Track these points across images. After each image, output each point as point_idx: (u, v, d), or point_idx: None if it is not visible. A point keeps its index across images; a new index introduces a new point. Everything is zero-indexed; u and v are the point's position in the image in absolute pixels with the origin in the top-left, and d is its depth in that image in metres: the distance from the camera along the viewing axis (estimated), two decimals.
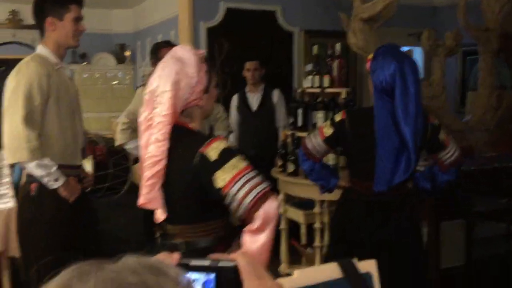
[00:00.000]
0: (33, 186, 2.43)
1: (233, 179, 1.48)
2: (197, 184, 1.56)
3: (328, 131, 2.37)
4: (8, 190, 3.45)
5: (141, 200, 1.61)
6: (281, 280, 1.46)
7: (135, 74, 8.41)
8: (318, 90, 3.50)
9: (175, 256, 0.64)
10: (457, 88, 6.13)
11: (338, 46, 3.55)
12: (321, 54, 3.79)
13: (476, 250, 3.20)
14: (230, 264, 0.62)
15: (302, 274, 1.52)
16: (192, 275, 0.61)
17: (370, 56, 2.33)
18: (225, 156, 1.52)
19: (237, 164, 1.51)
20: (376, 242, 2.23)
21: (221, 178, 1.49)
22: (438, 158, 2.37)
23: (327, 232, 3.26)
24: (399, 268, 2.22)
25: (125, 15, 8.33)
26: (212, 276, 0.62)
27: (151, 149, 1.57)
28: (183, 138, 1.60)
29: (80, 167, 2.60)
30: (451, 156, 2.34)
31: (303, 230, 3.68)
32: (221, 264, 0.63)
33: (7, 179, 3.82)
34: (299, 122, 3.54)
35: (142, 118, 1.65)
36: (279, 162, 3.67)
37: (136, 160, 3.66)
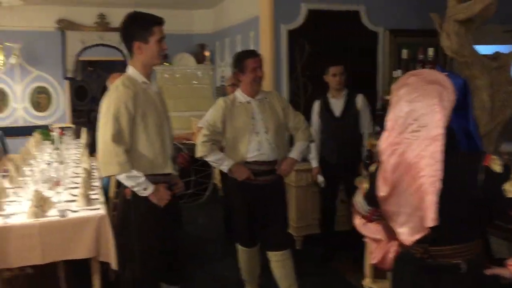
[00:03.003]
0: (128, 191, 2.71)
1: None
2: (482, 197, 1.61)
3: None
4: (99, 196, 3.59)
5: (433, 222, 1.59)
6: None
7: (214, 74, 8.53)
8: None
9: None
10: None
11: (431, 51, 3.33)
12: (409, 58, 3.59)
13: None
14: None
15: None
16: None
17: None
18: (508, 168, 1.60)
19: None
20: None
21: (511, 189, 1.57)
22: None
23: None
24: None
25: (205, 15, 8.45)
26: None
27: (428, 171, 1.59)
28: (452, 156, 1.64)
29: (170, 174, 2.80)
30: None
31: None
32: None
33: (96, 184, 3.99)
34: None
35: (385, 143, 1.67)
36: (365, 173, 3.52)
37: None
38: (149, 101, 2.66)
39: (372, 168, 1.88)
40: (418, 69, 3.45)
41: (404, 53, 3.49)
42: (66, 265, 3.77)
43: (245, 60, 3.24)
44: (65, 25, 7.90)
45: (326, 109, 4.24)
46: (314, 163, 4.30)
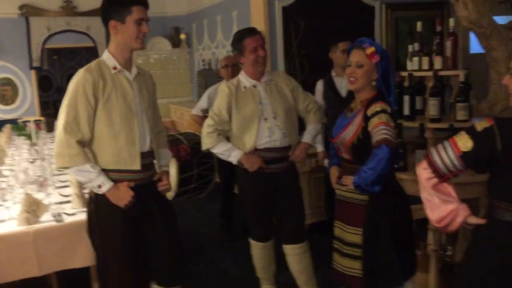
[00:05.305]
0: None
1: None
2: None
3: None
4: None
5: None
6: None
7: (192, 58, 8.14)
8: (429, 73, 3.08)
9: None
10: None
11: (452, 22, 3.11)
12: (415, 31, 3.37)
13: None
14: None
15: None
16: None
17: (372, 49, 2.32)
18: None
19: None
20: None
21: None
22: None
23: None
24: None
25: None
26: None
27: None
28: None
29: (139, 172, 2.42)
30: None
31: None
32: None
33: None
34: (406, 111, 3.15)
35: None
36: None
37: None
38: (118, 89, 2.35)
39: (480, 126, 1.68)
40: (436, 41, 3.23)
41: (419, 26, 3.26)
42: (58, 272, 3.42)
43: (243, 39, 2.93)
44: (29, 11, 7.34)
45: (330, 89, 3.98)
46: (320, 147, 4.04)
